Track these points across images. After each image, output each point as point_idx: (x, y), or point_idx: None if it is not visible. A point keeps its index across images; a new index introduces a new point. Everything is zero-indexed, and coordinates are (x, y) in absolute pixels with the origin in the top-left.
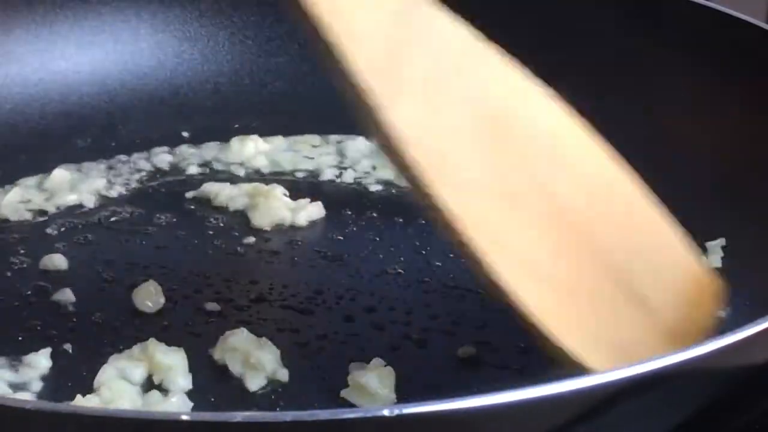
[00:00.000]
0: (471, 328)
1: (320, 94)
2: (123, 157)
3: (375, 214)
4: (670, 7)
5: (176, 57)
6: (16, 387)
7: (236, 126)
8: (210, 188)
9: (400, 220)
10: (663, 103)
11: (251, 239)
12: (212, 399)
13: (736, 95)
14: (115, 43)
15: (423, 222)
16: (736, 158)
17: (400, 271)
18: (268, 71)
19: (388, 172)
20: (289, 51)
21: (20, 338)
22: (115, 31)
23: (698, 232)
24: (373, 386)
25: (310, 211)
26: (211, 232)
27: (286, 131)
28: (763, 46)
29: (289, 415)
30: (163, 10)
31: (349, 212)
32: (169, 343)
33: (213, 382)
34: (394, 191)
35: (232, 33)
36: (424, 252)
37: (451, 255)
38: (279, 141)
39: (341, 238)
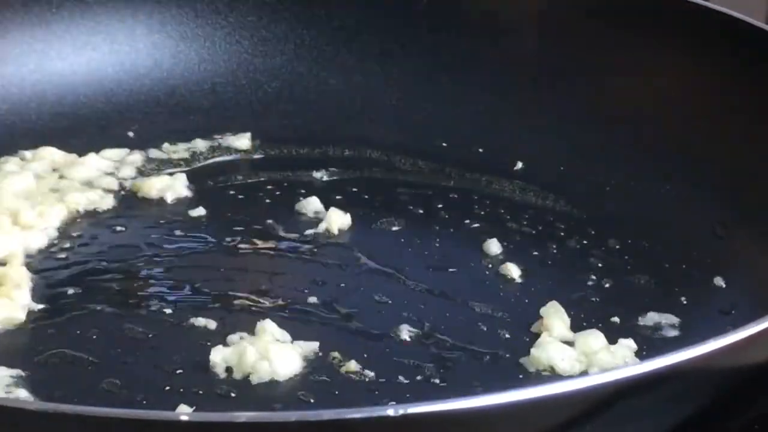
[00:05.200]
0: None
1: (316, 95)
2: None
3: None
4: (670, 7)
5: (173, 57)
6: None
7: (233, 126)
8: None
9: None
10: (663, 103)
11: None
12: None
13: (736, 95)
14: (112, 44)
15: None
16: (737, 158)
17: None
18: (264, 71)
19: None
20: (285, 51)
21: None
22: (111, 32)
23: (698, 232)
24: None
25: None
26: None
27: (283, 131)
28: (763, 46)
29: (294, 415)
30: (160, 10)
31: None
32: None
33: None
34: None
35: (229, 33)
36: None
37: None
38: None
39: None
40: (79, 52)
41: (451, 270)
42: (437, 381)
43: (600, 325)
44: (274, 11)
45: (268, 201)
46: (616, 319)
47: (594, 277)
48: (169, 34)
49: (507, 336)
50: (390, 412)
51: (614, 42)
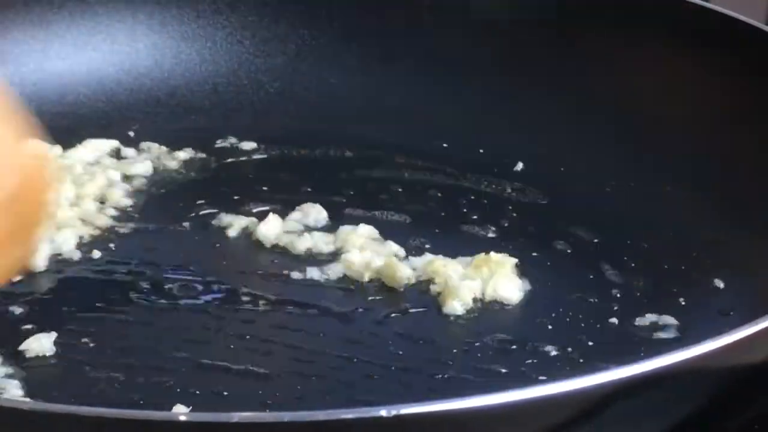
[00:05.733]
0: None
1: (317, 95)
2: None
3: None
4: (671, 7)
5: (173, 57)
6: None
7: (234, 126)
8: None
9: None
10: (662, 103)
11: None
12: None
13: (736, 95)
14: (112, 44)
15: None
16: (737, 158)
17: None
18: (265, 72)
19: None
20: (286, 51)
21: None
22: (112, 32)
23: (698, 232)
24: None
25: None
26: None
27: (284, 131)
28: (763, 46)
29: (287, 416)
30: (160, 10)
31: None
32: None
33: None
34: None
35: (230, 33)
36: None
37: None
38: None
39: None
40: (79, 52)
41: None
42: (433, 384)
43: (598, 325)
44: (275, 11)
45: (267, 200)
46: (614, 320)
47: (592, 277)
48: (170, 34)
49: (505, 337)
50: (383, 413)
51: (614, 42)
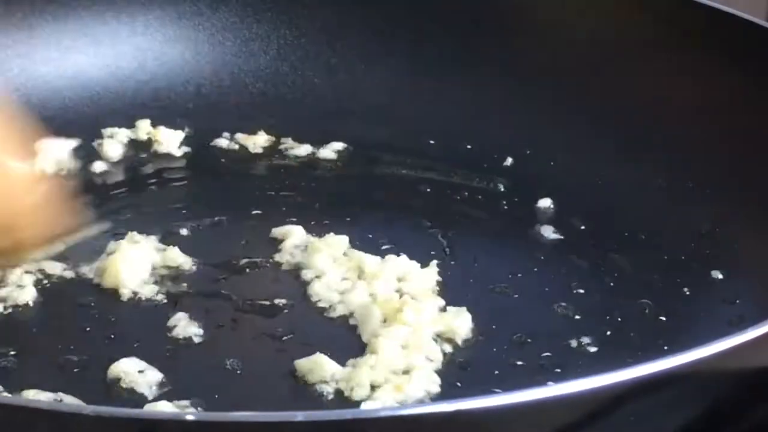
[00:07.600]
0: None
1: (301, 94)
2: None
3: None
4: (670, 6)
5: (156, 59)
6: None
7: (217, 127)
8: None
9: None
10: (663, 102)
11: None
12: None
13: (736, 95)
14: (96, 47)
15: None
16: (738, 158)
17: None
18: (248, 72)
19: None
20: (268, 52)
21: None
22: (95, 35)
23: (694, 223)
24: None
25: None
26: None
27: (267, 132)
28: (763, 45)
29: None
30: (143, 12)
31: None
32: None
33: None
34: None
35: (212, 34)
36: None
37: None
38: None
39: None
40: (63, 56)
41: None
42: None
43: (607, 317)
44: (256, 12)
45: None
46: (621, 311)
47: (593, 270)
48: (153, 36)
49: (518, 330)
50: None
51: (607, 38)
